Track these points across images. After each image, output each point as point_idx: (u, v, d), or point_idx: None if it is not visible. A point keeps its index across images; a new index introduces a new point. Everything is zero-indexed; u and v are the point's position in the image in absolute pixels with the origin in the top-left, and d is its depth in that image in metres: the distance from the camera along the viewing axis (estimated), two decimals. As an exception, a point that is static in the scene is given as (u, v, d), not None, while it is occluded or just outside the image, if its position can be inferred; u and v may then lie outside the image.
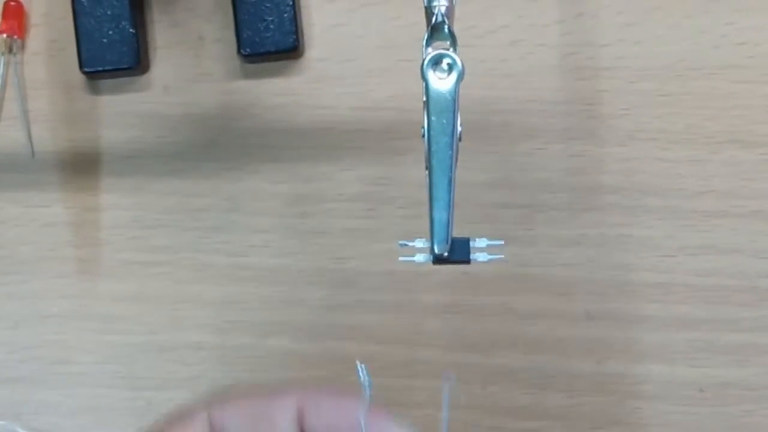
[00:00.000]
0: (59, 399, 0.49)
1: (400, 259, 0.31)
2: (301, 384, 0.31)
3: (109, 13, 0.47)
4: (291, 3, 0.47)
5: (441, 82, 0.29)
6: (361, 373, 0.30)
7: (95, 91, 0.49)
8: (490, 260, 0.31)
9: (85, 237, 0.49)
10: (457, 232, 0.31)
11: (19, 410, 0.49)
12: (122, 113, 0.49)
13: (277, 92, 0.48)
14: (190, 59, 0.49)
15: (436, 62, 0.29)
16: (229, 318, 0.48)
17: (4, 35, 0.48)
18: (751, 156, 0.46)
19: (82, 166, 0.49)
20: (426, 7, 0.30)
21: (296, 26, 0.47)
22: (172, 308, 0.48)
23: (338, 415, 0.30)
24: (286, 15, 0.47)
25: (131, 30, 0.47)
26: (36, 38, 0.49)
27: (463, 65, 0.29)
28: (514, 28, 0.47)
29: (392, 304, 0.47)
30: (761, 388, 0.46)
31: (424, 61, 0.29)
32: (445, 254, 0.31)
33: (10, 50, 0.49)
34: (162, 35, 0.49)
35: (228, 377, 0.48)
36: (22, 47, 0.49)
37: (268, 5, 0.47)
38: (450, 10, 0.30)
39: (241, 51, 0.47)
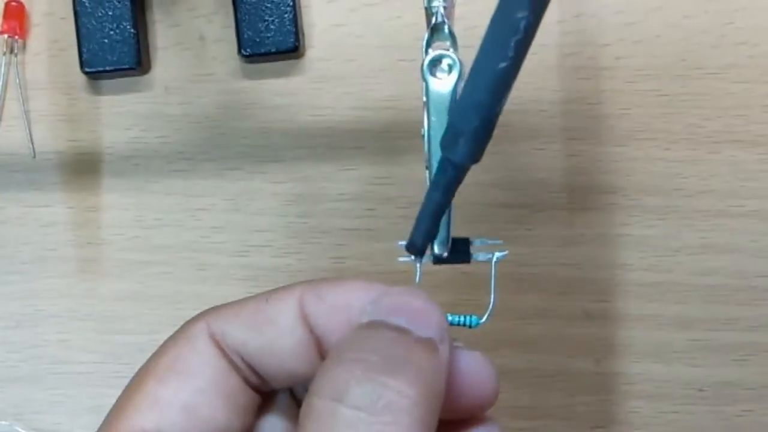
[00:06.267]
0: (59, 399, 0.49)
1: (399, 259, 0.31)
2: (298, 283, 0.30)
3: (110, 13, 0.47)
4: (291, 3, 0.47)
5: (441, 83, 0.29)
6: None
7: (96, 91, 0.49)
8: (498, 259, 0.31)
9: (85, 237, 0.49)
10: (456, 232, 0.31)
11: (19, 410, 0.49)
12: (123, 113, 0.49)
13: (277, 92, 0.48)
14: (190, 59, 0.49)
15: (436, 62, 0.29)
16: (230, 318, 0.48)
17: (5, 35, 0.48)
18: (751, 156, 0.47)
19: (82, 166, 0.49)
20: (426, 8, 0.30)
21: (296, 27, 0.47)
22: (172, 308, 0.48)
23: (341, 293, 0.29)
24: (286, 15, 0.47)
25: (132, 30, 0.47)
26: (37, 38, 0.49)
27: (463, 65, 0.29)
28: (513, 29, 0.47)
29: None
30: (760, 387, 0.46)
31: (424, 61, 0.29)
32: (445, 254, 0.31)
33: (11, 50, 0.49)
34: (163, 35, 0.49)
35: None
36: (23, 47, 0.49)
37: (268, 6, 0.47)
38: (450, 10, 0.30)
39: (242, 51, 0.47)
